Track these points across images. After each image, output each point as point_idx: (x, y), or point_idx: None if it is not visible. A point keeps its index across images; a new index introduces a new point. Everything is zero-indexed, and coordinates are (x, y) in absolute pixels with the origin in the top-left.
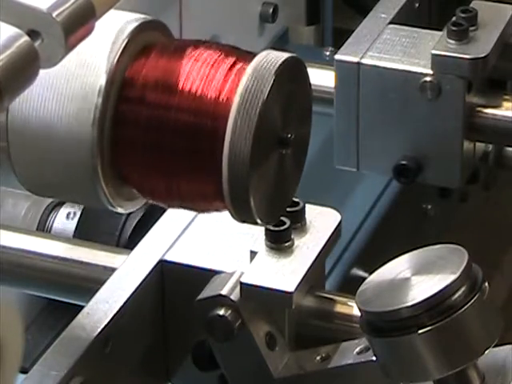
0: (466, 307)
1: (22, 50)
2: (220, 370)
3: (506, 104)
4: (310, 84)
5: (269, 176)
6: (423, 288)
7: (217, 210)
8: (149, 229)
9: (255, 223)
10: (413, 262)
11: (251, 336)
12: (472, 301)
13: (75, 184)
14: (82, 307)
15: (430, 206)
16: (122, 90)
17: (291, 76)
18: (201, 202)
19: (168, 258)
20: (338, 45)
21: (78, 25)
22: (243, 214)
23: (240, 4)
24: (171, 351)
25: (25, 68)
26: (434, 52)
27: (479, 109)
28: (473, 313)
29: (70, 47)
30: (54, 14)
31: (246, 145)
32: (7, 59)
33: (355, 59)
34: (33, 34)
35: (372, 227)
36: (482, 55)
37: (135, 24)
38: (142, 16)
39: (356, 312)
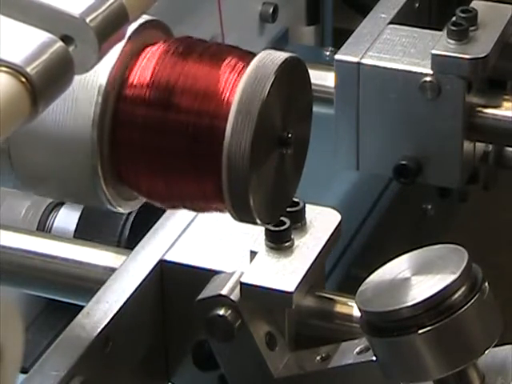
0: (466, 307)
1: (57, 56)
2: (220, 370)
3: (506, 104)
4: (310, 84)
5: (269, 176)
6: (423, 288)
7: (217, 210)
8: (149, 229)
9: (255, 223)
10: (413, 262)
11: (251, 336)
12: (472, 301)
13: (75, 184)
14: (82, 307)
15: (430, 206)
16: (122, 89)
17: (291, 76)
18: (200, 202)
19: (168, 257)
20: (338, 45)
21: (111, 30)
22: (243, 214)
23: (240, 4)
24: (171, 351)
25: (60, 74)
26: (434, 52)
27: (479, 109)
28: (473, 313)
29: (103, 53)
30: (87, 20)
31: (245, 145)
32: (42, 65)
33: (355, 59)
34: (66, 39)
35: (372, 227)
36: (482, 55)
37: (136, 23)
38: (143, 16)
39: (356, 312)
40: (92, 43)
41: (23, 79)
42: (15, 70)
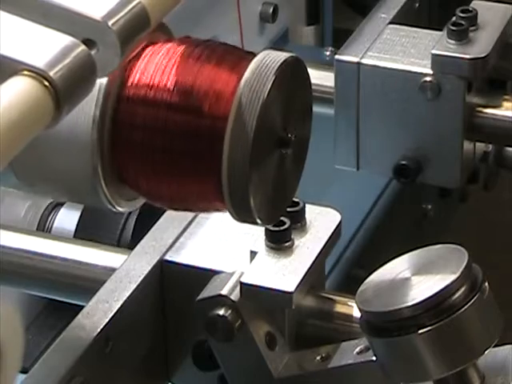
0: (466, 307)
1: (80, 60)
2: (220, 370)
3: (505, 104)
4: (310, 84)
5: (269, 176)
6: (423, 288)
7: (217, 210)
8: (149, 229)
9: (255, 223)
10: (413, 262)
11: (251, 336)
12: (472, 301)
13: (75, 184)
14: (82, 307)
15: (430, 206)
16: (122, 89)
17: (291, 76)
18: (201, 202)
19: (168, 257)
20: (338, 45)
21: (133, 33)
22: (243, 214)
23: (240, 4)
24: (171, 351)
25: (82, 78)
26: (434, 52)
27: (479, 109)
28: (473, 313)
29: (125, 56)
30: (109, 23)
31: (245, 145)
32: (65, 69)
33: (355, 59)
34: (88, 42)
35: (372, 227)
36: (482, 55)
37: None
38: None
39: (356, 312)
40: (114, 47)
41: (46, 83)
42: (38, 74)
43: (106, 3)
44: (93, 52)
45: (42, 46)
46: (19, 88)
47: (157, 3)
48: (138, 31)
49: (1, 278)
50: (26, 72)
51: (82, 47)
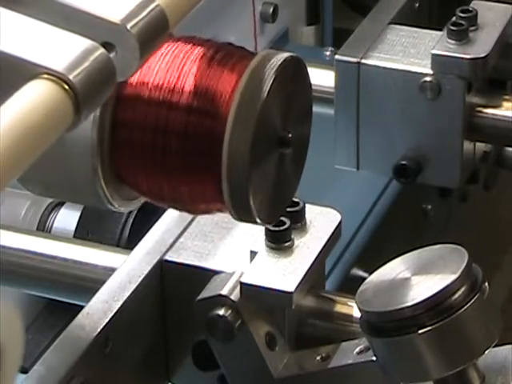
0: (466, 307)
1: (99, 63)
2: (220, 370)
3: (505, 104)
4: (310, 84)
5: (269, 176)
6: (423, 288)
7: (217, 210)
8: (149, 229)
9: (255, 223)
10: (413, 262)
11: (251, 336)
12: (472, 301)
13: (75, 184)
14: (82, 307)
15: (430, 206)
16: (122, 89)
17: (291, 76)
18: (201, 202)
19: (168, 257)
20: (338, 45)
21: (152, 36)
22: (243, 214)
23: (240, 4)
24: (171, 351)
25: (102, 81)
26: (434, 52)
27: (479, 109)
28: (473, 313)
29: (144, 59)
30: (128, 26)
31: (245, 145)
32: (85, 72)
33: (355, 59)
34: (107, 46)
35: (372, 227)
36: (482, 55)
37: None
38: None
39: (356, 312)
40: (133, 50)
41: (66, 86)
42: (58, 78)
43: (125, 6)
44: (112, 55)
45: (62, 49)
46: (39, 92)
47: (175, 6)
48: (156, 34)
49: (1, 278)
50: (45, 75)
51: (102, 50)
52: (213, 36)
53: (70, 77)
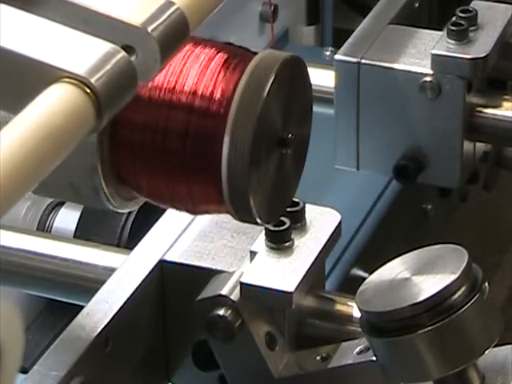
0: (466, 307)
1: (120, 66)
2: (220, 370)
3: (505, 104)
4: (310, 84)
5: (269, 176)
6: (423, 288)
7: (217, 210)
8: (149, 229)
9: (255, 223)
10: (413, 262)
11: (251, 336)
12: (472, 301)
13: (75, 184)
14: (82, 307)
15: (430, 206)
16: None
17: (291, 76)
18: (201, 202)
19: (168, 258)
20: (338, 45)
21: (172, 39)
22: (243, 214)
23: (240, 4)
24: (171, 351)
25: (123, 84)
26: (434, 52)
27: (479, 109)
28: (473, 313)
29: (164, 62)
30: (149, 29)
31: (245, 145)
32: (106, 76)
33: (355, 59)
34: (128, 49)
35: (372, 227)
36: (482, 55)
37: None
38: None
39: (356, 312)
40: (154, 53)
41: (88, 90)
42: (80, 81)
43: (145, 10)
44: (132, 58)
45: (83, 52)
46: (61, 95)
47: (195, 9)
48: (177, 37)
49: (1, 278)
50: (67, 79)
51: (122, 53)
52: (213, 36)
53: (92, 80)
